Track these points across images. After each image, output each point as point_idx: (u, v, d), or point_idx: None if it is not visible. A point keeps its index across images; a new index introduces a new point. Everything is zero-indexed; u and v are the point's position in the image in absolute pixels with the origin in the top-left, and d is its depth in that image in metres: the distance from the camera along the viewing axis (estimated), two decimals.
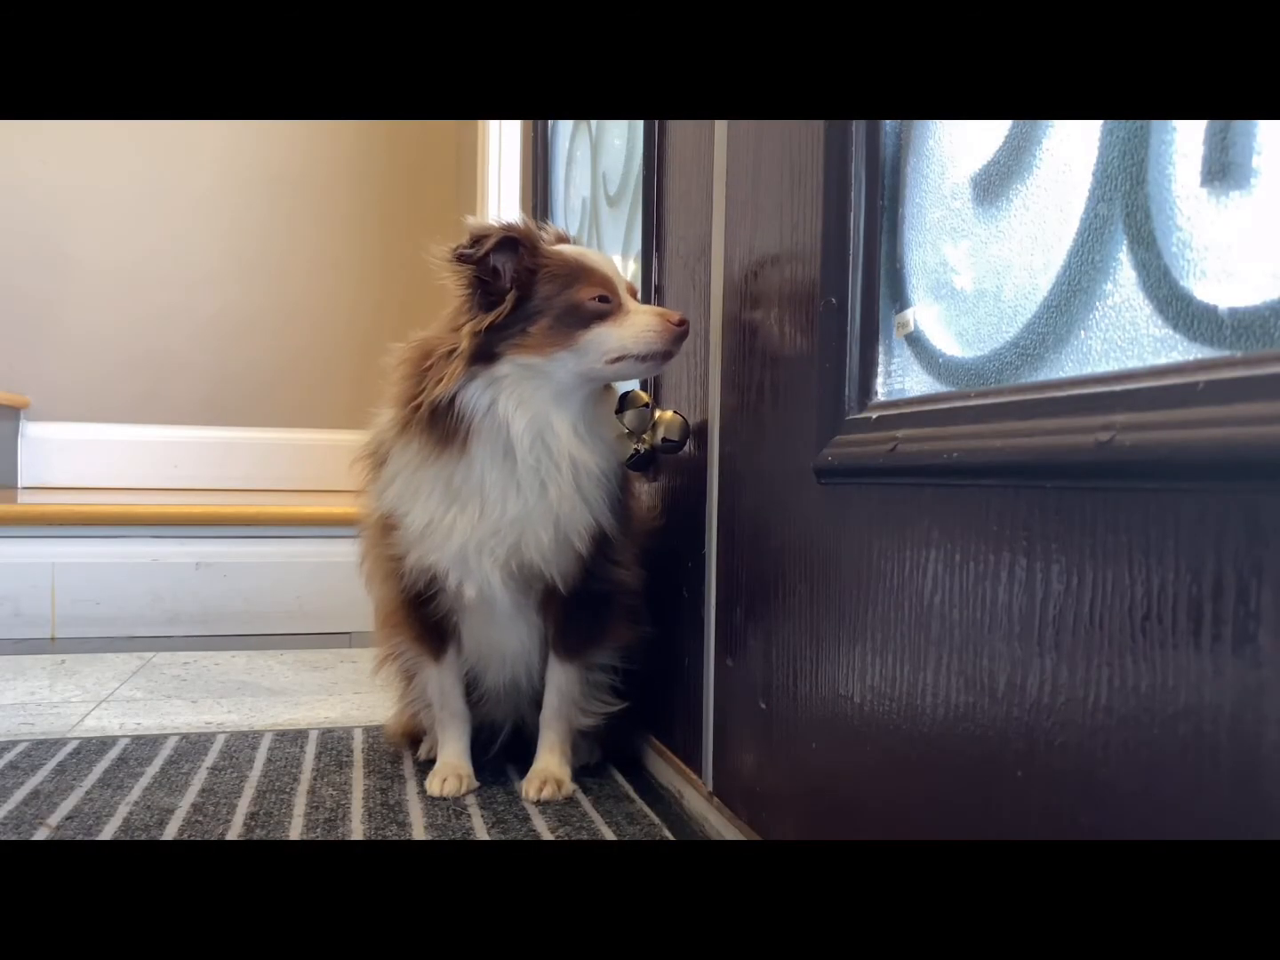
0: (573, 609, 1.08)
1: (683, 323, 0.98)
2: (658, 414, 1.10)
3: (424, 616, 1.10)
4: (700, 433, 1.04)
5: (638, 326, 0.98)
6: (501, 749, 1.19)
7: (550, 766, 1.09)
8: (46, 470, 2.97)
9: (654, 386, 1.19)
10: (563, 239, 1.09)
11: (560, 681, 1.10)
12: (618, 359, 0.98)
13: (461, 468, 1.00)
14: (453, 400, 0.98)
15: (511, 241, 0.99)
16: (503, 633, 1.10)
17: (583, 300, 0.98)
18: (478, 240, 0.98)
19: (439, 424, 0.99)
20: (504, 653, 1.12)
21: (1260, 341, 0.43)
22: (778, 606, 0.83)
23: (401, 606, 1.11)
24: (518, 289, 0.98)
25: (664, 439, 1.08)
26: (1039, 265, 0.58)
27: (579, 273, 0.99)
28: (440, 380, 0.98)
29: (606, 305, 0.98)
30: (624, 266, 1.55)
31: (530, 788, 1.06)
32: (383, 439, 1.06)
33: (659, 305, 1.18)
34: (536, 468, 1.00)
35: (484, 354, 0.98)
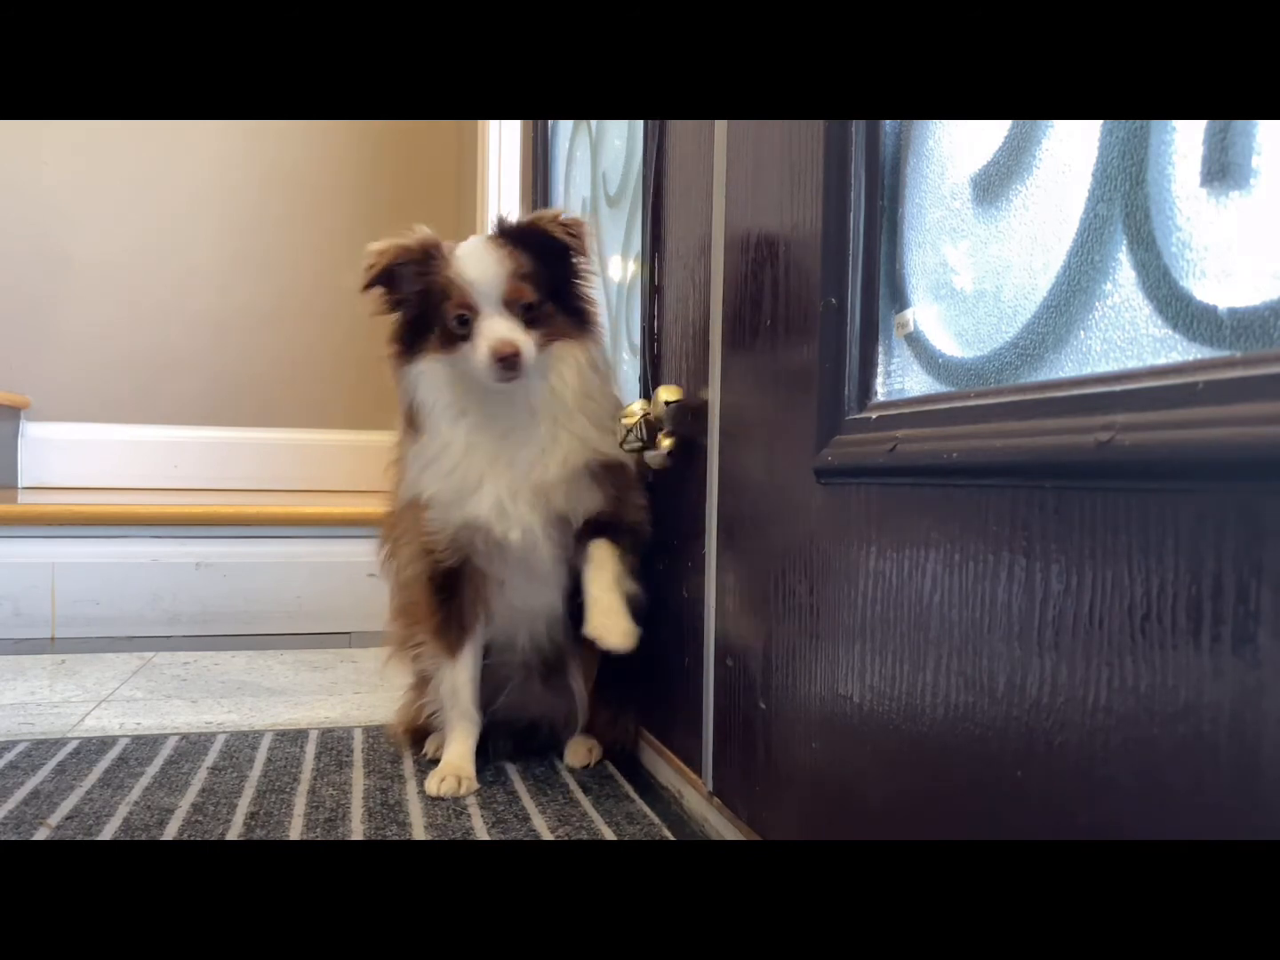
0: (603, 530, 1.13)
1: (504, 360, 1.03)
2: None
3: (448, 602, 1.13)
4: (700, 432, 1.04)
5: (477, 354, 1.05)
6: (506, 717, 1.20)
7: (614, 603, 1.08)
8: (46, 470, 2.96)
9: (651, 381, 1.19)
10: (501, 225, 1.10)
11: (605, 551, 1.12)
12: (476, 372, 1.06)
13: (425, 440, 1.10)
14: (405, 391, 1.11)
15: (395, 267, 1.08)
16: (535, 590, 1.14)
17: (447, 319, 1.07)
18: (368, 270, 1.08)
19: (405, 412, 1.12)
20: (529, 610, 1.16)
21: (1260, 341, 0.43)
22: (778, 606, 0.83)
23: (427, 590, 1.14)
24: (415, 304, 1.09)
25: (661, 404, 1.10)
26: (1039, 265, 0.58)
27: (448, 289, 1.07)
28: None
29: (465, 329, 1.06)
30: (624, 266, 1.55)
31: (611, 638, 1.05)
32: (400, 438, 1.16)
33: (659, 306, 1.18)
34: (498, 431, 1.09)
35: (411, 353, 1.10)
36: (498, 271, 1.06)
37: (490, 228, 1.12)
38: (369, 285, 1.09)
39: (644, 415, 1.11)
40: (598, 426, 1.12)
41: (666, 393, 1.10)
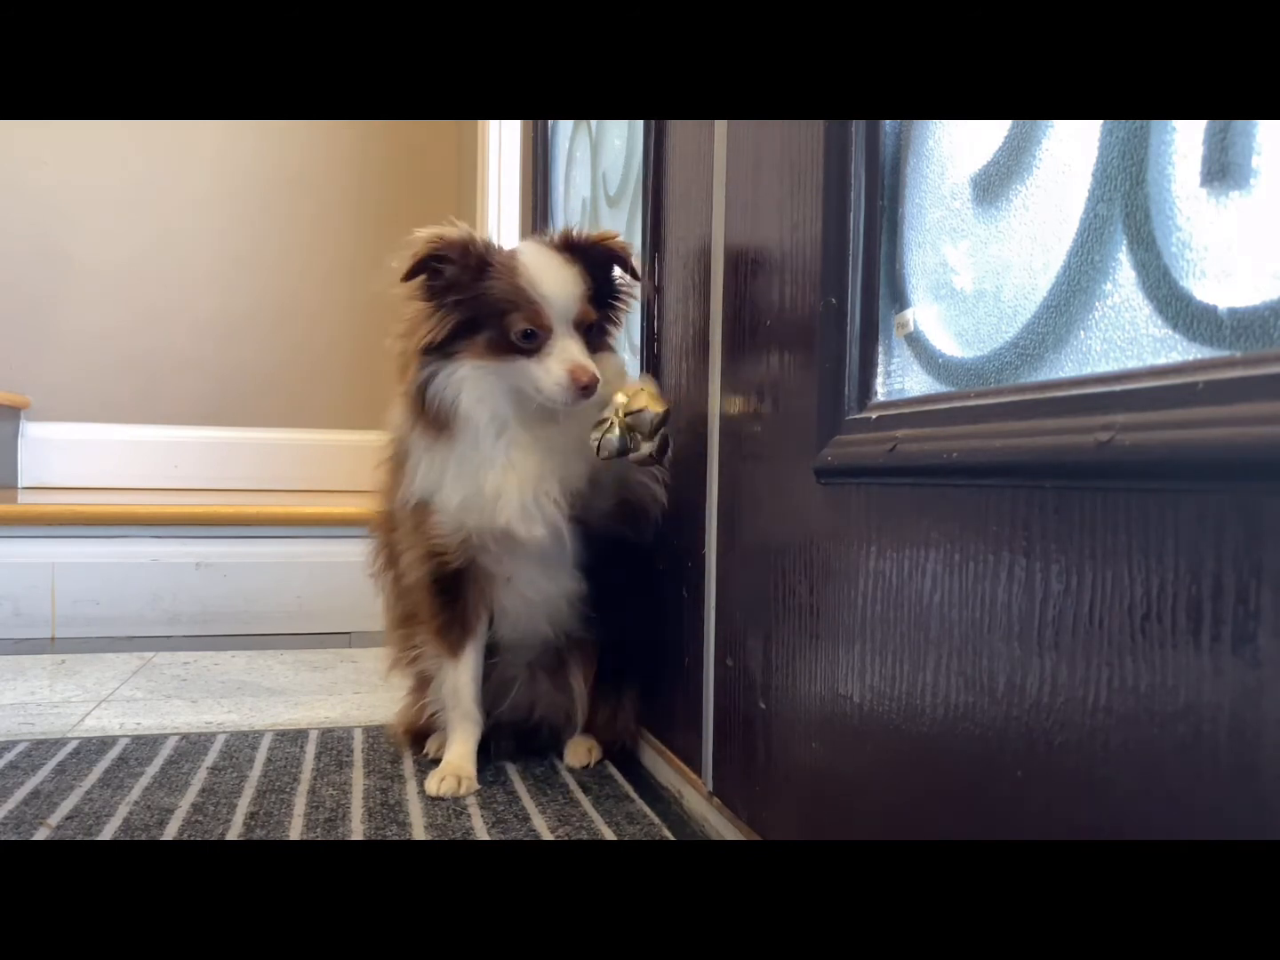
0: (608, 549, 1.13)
1: (586, 388, 1.02)
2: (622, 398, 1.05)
3: (451, 604, 1.12)
4: (700, 433, 1.04)
5: (551, 376, 1.02)
6: (509, 712, 1.20)
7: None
8: (46, 470, 2.96)
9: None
10: (567, 240, 1.09)
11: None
12: (536, 390, 1.04)
13: (458, 450, 1.07)
14: (425, 390, 1.06)
15: (443, 257, 1.05)
16: (553, 572, 1.13)
17: (509, 331, 1.03)
18: (413, 258, 1.04)
19: (428, 411, 1.07)
20: (549, 594, 1.15)
21: (1260, 341, 0.43)
22: (778, 606, 0.83)
23: (430, 589, 1.13)
24: (458, 303, 1.05)
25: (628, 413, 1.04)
26: (1039, 265, 0.58)
27: (515, 299, 1.03)
28: (407, 374, 1.08)
29: (531, 343, 1.03)
30: None
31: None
32: (400, 435, 1.12)
33: (659, 306, 1.18)
34: (520, 446, 1.07)
35: (444, 350, 1.05)
36: (572, 292, 1.04)
37: (550, 236, 1.10)
38: (411, 273, 1.05)
39: (616, 422, 1.05)
40: None
41: (638, 399, 1.03)
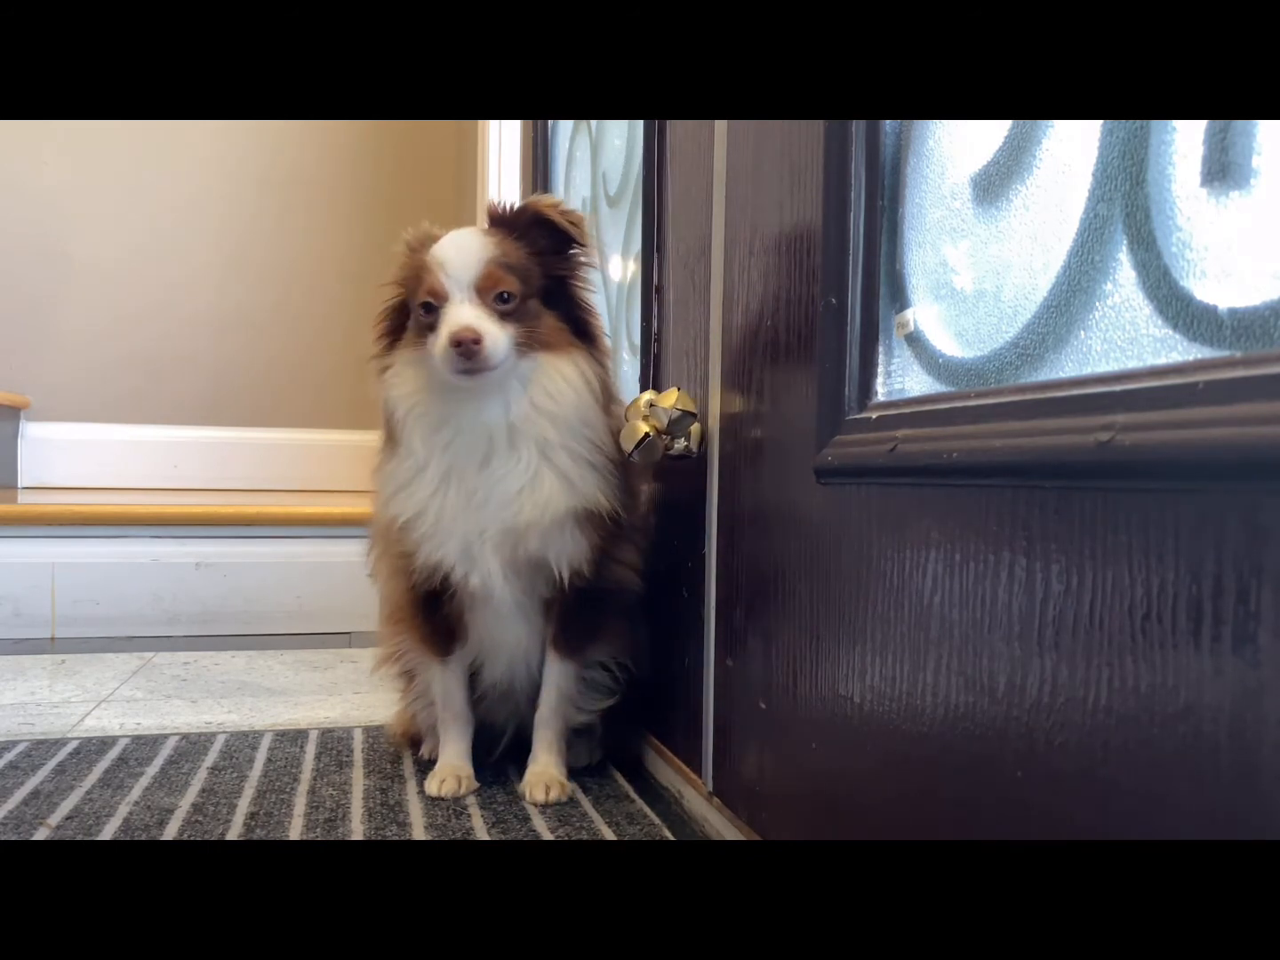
0: (574, 608, 1.07)
1: (460, 344, 0.92)
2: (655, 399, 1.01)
3: (432, 616, 1.09)
4: (700, 433, 1.04)
5: (438, 345, 0.95)
6: (504, 752, 1.18)
7: (549, 768, 1.09)
8: (46, 470, 2.96)
9: (652, 383, 1.19)
10: (492, 213, 1.02)
11: (558, 678, 1.09)
12: (436, 367, 0.97)
13: (408, 464, 1.02)
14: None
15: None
16: (505, 628, 1.09)
17: (416, 308, 0.99)
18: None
19: (383, 417, 1.04)
20: (504, 646, 1.11)
21: (1260, 341, 0.43)
22: (778, 606, 0.83)
23: (410, 604, 1.11)
24: (398, 298, 1.03)
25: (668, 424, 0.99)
26: (1039, 265, 0.58)
27: (420, 275, 0.98)
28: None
29: (432, 317, 0.97)
30: (624, 266, 1.55)
31: (536, 793, 1.05)
32: (380, 447, 1.10)
33: (659, 306, 1.18)
34: (457, 459, 1.00)
35: (390, 351, 1.03)
36: (477, 256, 0.96)
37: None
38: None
39: (649, 432, 1.00)
40: (591, 467, 1.02)
41: (668, 399, 0.99)
